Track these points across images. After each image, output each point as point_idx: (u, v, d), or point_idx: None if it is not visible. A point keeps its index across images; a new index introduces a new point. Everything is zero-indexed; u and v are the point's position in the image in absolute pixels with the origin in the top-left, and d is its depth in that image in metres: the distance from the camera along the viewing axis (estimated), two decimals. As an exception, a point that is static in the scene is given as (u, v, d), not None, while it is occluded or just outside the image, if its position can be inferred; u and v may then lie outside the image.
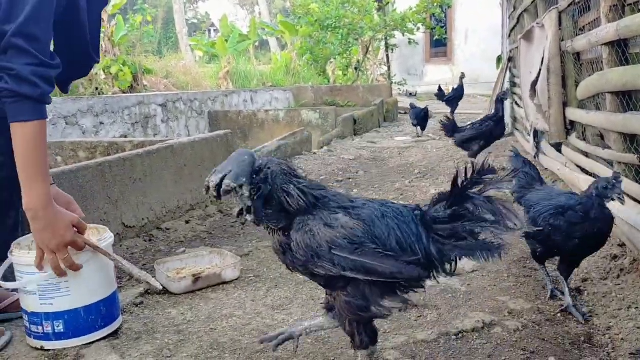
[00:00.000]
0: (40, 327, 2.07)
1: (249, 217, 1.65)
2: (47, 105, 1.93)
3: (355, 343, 1.76)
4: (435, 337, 2.15)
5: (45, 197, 1.92)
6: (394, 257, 1.61)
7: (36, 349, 2.09)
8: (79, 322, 2.08)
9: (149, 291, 2.66)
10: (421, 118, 8.55)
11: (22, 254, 2.05)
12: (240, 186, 1.58)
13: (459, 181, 1.65)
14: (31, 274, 2.02)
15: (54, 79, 1.93)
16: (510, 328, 2.20)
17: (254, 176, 1.62)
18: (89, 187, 3.03)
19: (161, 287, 2.35)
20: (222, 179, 1.58)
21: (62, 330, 2.07)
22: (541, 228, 2.28)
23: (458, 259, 1.69)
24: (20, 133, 1.86)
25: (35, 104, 1.87)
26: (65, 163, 4.22)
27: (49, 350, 2.08)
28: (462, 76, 10.30)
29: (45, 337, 2.07)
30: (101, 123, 6.52)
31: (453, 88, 10.46)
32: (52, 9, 1.91)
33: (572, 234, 2.22)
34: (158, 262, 2.88)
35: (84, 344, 2.12)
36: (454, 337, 2.16)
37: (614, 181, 2.13)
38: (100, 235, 2.25)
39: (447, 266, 1.69)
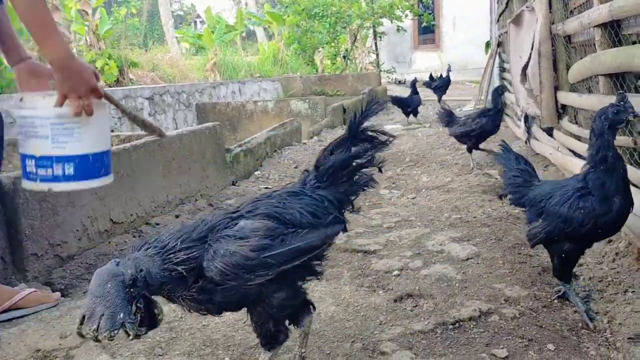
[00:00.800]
0: (50, 170, 2.11)
1: (143, 330, 1.46)
2: None
3: (279, 339, 1.70)
4: (432, 327, 2.12)
5: (66, 47, 2.02)
6: (314, 226, 1.66)
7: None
8: (87, 166, 2.14)
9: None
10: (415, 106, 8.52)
11: (37, 99, 2.08)
12: (122, 324, 1.36)
13: (353, 123, 1.78)
14: (45, 117, 2.06)
15: None
16: (507, 315, 2.18)
17: (131, 292, 1.40)
18: (74, 183, 2.96)
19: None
20: (97, 328, 1.34)
21: (72, 173, 2.13)
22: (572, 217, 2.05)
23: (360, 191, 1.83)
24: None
25: None
26: (50, 159, 4.14)
27: (56, 192, 2.12)
28: (449, 68, 10.30)
29: (55, 179, 2.10)
30: (87, 118, 6.43)
31: (440, 76, 10.40)
32: None
33: (606, 208, 2.01)
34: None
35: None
36: (450, 326, 2.13)
37: (622, 102, 1.93)
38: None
39: (353, 199, 1.82)
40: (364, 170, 1.82)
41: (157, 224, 3.55)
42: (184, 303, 1.56)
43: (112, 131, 6.59)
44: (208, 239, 1.55)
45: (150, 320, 1.49)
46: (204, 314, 1.62)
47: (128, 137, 4.12)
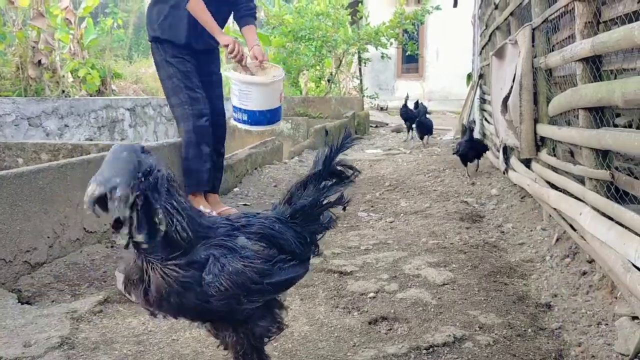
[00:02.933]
0: (238, 114, 3.81)
1: (139, 237, 1.32)
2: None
3: None
4: (405, 351, 2.10)
5: (226, 36, 3.90)
6: (301, 258, 1.65)
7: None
8: (254, 117, 3.78)
9: (108, 299, 2.56)
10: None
11: (236, 74, 3.83)
12: (114, 188, 1.25)
13: (327, 158, 1.72)
14: (235, 84, 3.78)
15: None
16: (482, 343, 2.17)
17: (139, 179, 1.31)
18: (49, 189, 2.90)
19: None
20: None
21: (246, 119, 3.77)
22: None
23: (325, 231, 1.79)
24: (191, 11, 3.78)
25: None
26: (26, 165, 4.06)
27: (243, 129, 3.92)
28: (405, 100, 10.07)
29: (238, 120, 3.84)
30: (66, 126, 6.33)
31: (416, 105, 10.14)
32: None
33: None
34: (119, 270, 2.76)
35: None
36: (424, 351, 2.11)
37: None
38: (276, 71, 4.00)
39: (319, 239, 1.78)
40: (331, 209, 1.78)
41: (131, 236, 3.49)
42: (152, 273, 1.41)
43: (91, 140, 6.51)
44: (210, 234, 1.49)
45: (149, 226, 1.35)
46: (160, 313, 1.51)
47: (107, 146, 4.06)
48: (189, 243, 1.42)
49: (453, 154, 6.15)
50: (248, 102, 3.77)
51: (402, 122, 9.78)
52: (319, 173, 1.69)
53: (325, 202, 1.71)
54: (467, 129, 6.07)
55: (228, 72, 3.90)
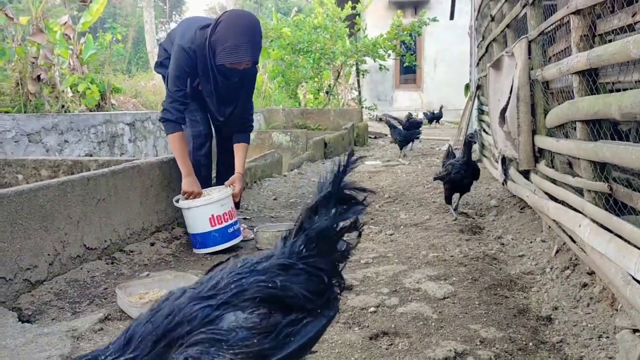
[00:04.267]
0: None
1: None
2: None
3: None
4: (406, 367, 2.09)
5: (190, 182, 3.75)
6: (315, 310, 1.31)
7: None
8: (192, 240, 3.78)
9: (109, 317, 2.55)
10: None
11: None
12: None
13: (337, 178, 1.44)
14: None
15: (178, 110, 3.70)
16: (483, 357, 2.16)
17: None
18: (49, 206, 2.91)
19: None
20: None
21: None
22: None
23: (345, 259, 1.48)
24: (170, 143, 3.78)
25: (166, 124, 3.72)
26: (26, 181, 4.07)
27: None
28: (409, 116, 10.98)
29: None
30: (66, 141, 6.34)
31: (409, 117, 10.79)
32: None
33: None
34: (120, 286, 2.76)
35: None
36: (426, 366, 2.11)
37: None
38: (220, 192, 3.77)
39: (340, 270, 1.47)
40: (347, 234, 1.49)
41: (132, 252, 3.49)
42: None
43: (91, 155, 6.52)
44: (183, 331, 1.15)
45: None
46: None
47: (107, 161, 4.08)
48: None
49: (436, 178, 4.79)
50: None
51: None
52: (330, 196, 1.44)
53: (340, 227, 1.44)
54: (466, 144, 4.66)
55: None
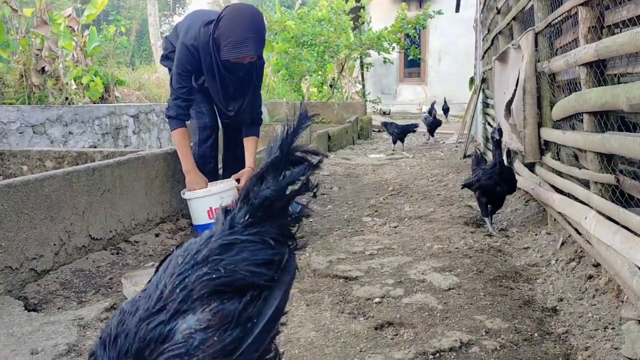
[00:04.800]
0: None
1: None
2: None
3: None
4: (412, 357, 2.10)
5: (195, 178, 3.74)
6: (272, 279, 1.24)
7: None
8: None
9: (114, 306, 2.56)
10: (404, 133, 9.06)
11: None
12: None
13: (284, 142, 1.36)
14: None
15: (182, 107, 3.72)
16: (488, 348, 2.16)
17: None
18: (55, 196, 2.91)
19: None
20: None
21: None
22: None
23: (298, 222, 1.41)
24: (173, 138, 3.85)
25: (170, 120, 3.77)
26: (31, 172, 4.08)
27: None
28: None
29: None
30: (70, 133, 6.35)
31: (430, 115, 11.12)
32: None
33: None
34: (125, 276, 2.77)
35: None
36: (431, 356, 2.11)
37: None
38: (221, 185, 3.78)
39: (294, 233, 1.40)
40: (298, 197, 1.41)
41: (137, 242, 3.50)
42: None
43: (95, 147, 6.53)
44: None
45: None
46: None
47: (112, 153, 4.08)
48: None
49: (465, 185, 4.12)
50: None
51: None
52: (277, 161, 1.34)
53: (289, 191, 1.36)
54: (495, 143, 3.90)
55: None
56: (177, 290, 1.14)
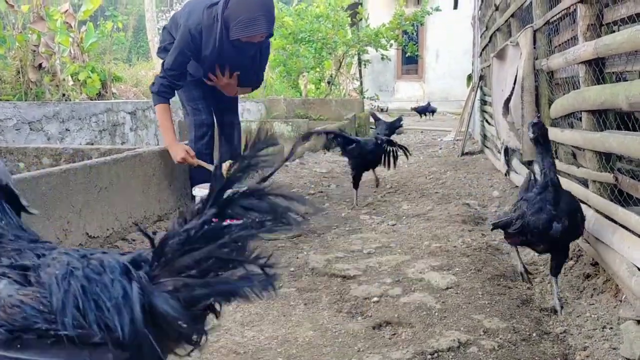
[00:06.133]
0: None
1: None
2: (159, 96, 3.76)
3: None
4: (410, 357, 2.09)
5: (179, 149, 3.75)
6: (74, 340, 0.91)
7: None
8: None
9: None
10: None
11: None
12: None
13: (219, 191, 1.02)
14: None
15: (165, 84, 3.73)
16: (486, 347, 2.16)
17: None
18: (51, 194, 2.90)
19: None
20: None
21: None
22: None
23: (216, 306, 1.03)
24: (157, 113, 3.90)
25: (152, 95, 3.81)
26: (27, 169, 4.06)
27: None
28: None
29: None
30: (67, 129, 6.32)
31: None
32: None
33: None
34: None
35: None
36: (429, 356, 2.10)
37: None
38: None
39: (198, 327, 1.03)
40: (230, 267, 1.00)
41: (134, 240, 3.49)
42: None
43: (92, 144, 6.50)
44: None
45: None
46: None
47: (109, 150, 4.06)
48: None
49: (496, 226, 2.61)
50: None
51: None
52: (206, 221, 0.99)
53: (217, 255, 0.99)
54: (536, 148, 2.56)
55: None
56: None
